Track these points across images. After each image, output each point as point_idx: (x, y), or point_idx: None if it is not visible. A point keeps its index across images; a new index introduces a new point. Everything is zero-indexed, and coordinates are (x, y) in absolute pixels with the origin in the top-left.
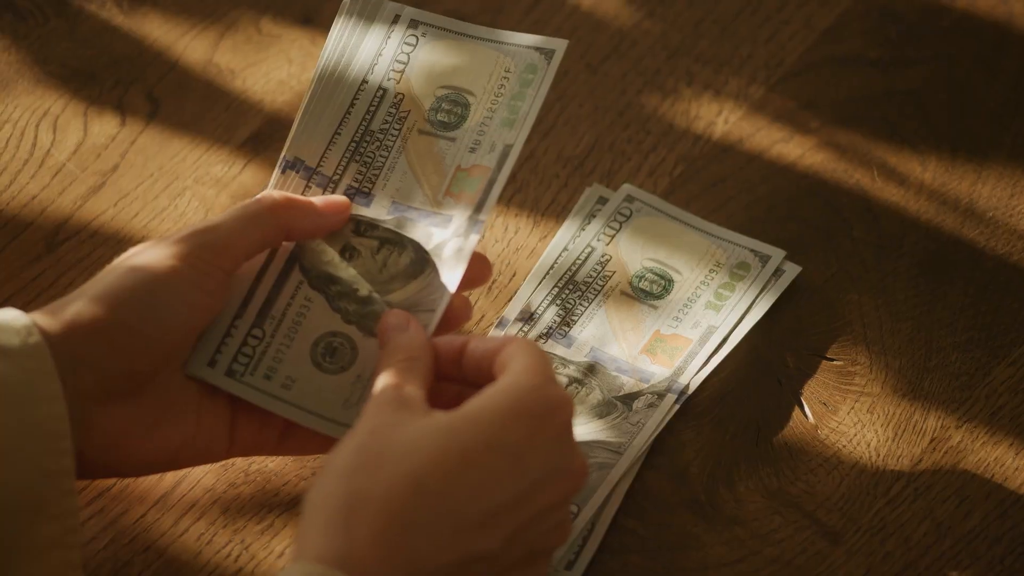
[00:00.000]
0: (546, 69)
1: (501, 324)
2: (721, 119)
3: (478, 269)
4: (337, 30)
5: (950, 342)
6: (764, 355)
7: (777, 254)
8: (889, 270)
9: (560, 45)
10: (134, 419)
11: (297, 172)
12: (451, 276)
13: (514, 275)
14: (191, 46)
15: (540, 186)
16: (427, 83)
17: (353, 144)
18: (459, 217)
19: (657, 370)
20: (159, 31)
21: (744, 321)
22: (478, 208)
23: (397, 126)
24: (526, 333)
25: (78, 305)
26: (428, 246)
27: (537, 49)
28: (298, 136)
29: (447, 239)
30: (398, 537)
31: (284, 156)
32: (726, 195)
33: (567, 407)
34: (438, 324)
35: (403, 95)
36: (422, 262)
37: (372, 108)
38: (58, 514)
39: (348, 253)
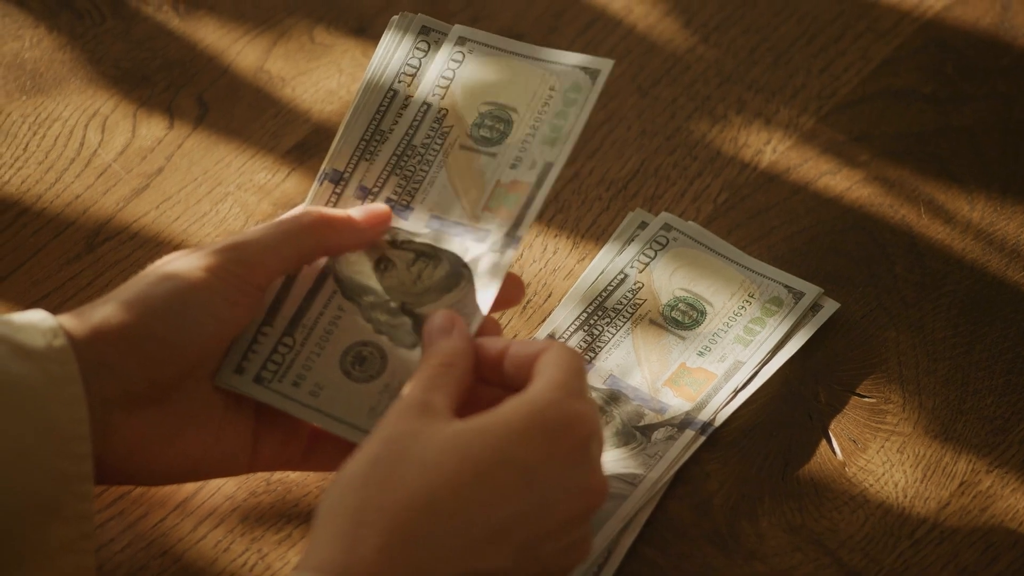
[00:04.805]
0: (591, 89)
1: None
2: (769, 148)
3: (512, 290)
4: (383, 46)
5: (987, 385)
6: (796, 388)
7: (811, 291)
8: (929, 309)
9: (606, 65)
10: (156, 427)
11: (335, 184)
12: (486, 293)
13: (550, 296)
14: (243, 52)
15: (582, 207)
16: (471, 99)
17: (395, 158)
18: (496, 232)
19: (677, 403)
20: (213, 36)
21: (776, 357)
22: (516, 224)
23: (439, 141)
24: None
25: (107, 310)
26: (464, 259)
27: (583, 68)
28: (339, 149)
29: (483, 253)
30: (404, 551)
31: (324, 168)
32: (769, 225)
33: (586, 423)
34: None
35: (447, 110)
36: (457, 276)
37: (416, 123)
38: (73, 518)
39: (383, 264)
